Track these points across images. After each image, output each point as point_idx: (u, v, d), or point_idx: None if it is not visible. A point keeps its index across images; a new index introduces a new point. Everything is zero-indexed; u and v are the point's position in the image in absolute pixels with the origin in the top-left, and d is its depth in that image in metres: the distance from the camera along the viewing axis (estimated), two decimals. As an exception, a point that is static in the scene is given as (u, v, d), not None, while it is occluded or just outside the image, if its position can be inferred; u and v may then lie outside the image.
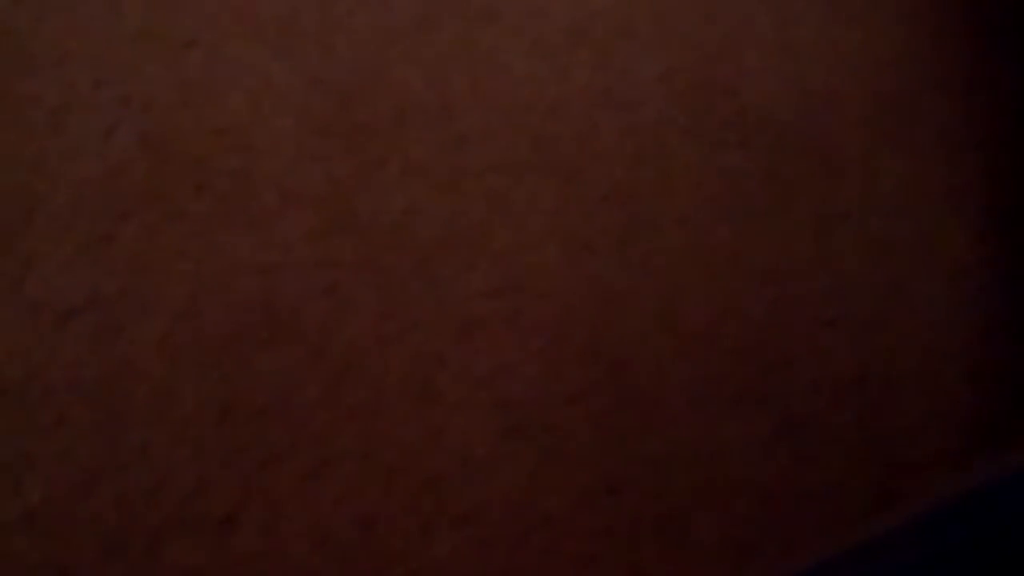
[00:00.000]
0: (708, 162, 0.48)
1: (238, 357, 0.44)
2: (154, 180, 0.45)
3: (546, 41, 0.49)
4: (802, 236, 0.48)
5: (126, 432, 0.43)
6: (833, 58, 0.49)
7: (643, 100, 0.48)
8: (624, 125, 0.49)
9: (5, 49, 0.45)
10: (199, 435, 0.42)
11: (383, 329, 0.45)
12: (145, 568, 0.41)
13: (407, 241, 0.46)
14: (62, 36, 0.45)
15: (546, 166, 0.47)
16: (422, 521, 0.43)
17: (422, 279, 0.46)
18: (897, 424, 0.46)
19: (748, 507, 0.45)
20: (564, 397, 0.45)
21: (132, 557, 0.41)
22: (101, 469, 0.41)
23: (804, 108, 0.49)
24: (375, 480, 0.43)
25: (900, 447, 0.46)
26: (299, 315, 0.44)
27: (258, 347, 0.44)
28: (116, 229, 0.44)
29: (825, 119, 0.49)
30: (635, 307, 0.46)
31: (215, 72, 0.47)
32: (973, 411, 0.47)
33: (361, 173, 0.47)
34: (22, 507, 0.43)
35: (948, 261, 0.50)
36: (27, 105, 0.45)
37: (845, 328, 0.47)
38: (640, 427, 0.45)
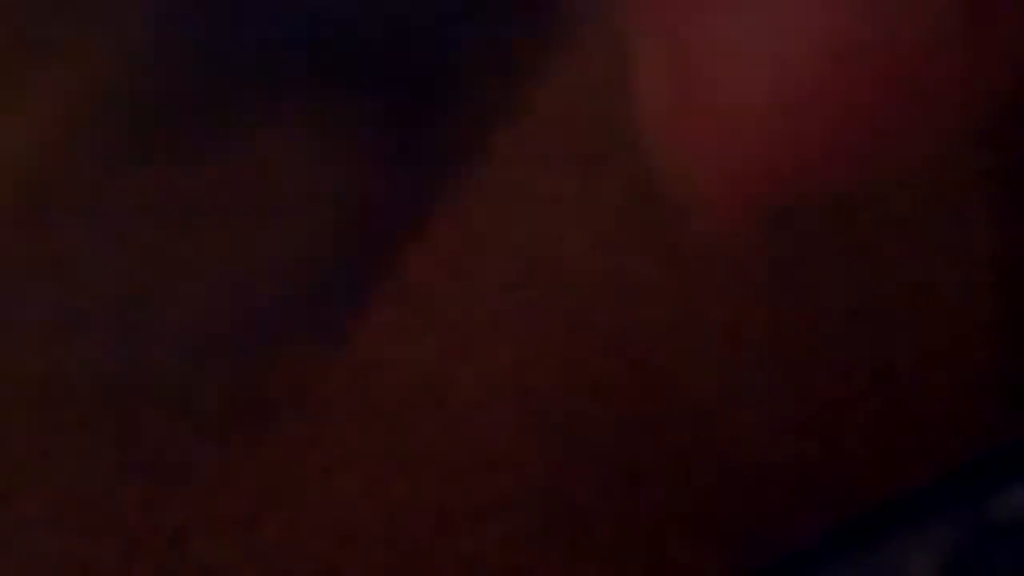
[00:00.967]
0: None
1: (259, 352, 0.43)
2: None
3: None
4: (825, 222, 0.47)
5: (147, 428, 0.43)
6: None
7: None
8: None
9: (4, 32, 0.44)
10: (221, 431, 0.42)
11: (404, 323, 0.44)
12: (168, 565, 0.41)
13: (426, 233, 0.45)
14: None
15: (569, 155, 0.47)
16: (446, 515, 0.43)
17: (442, 272, 0.45)
18: (924, 412, 0.46)
19: (775, 495, 0.44)
20: (587, 388, 0.44)
21: (155, 554, 0.41)
22: (123, 465, 0.41)
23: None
24: (398, 474, 0.43)
25: (928, 435, 0.46)
26: (321, 310, 0.44)
27: (279, 342, 0.43)
28: (138, 221, 0.44)
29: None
30: (659, 297, 0.45)
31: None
32: (1002, 398, 0.46)
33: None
34: (44, 503, 0.43)
35: (975, 245, 0.49)
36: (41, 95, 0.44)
37: (869, 317, 0.47)
38: (665, 417, 0.45)
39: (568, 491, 0.42)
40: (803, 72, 0.24)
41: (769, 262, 0.46)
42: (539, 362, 0.44)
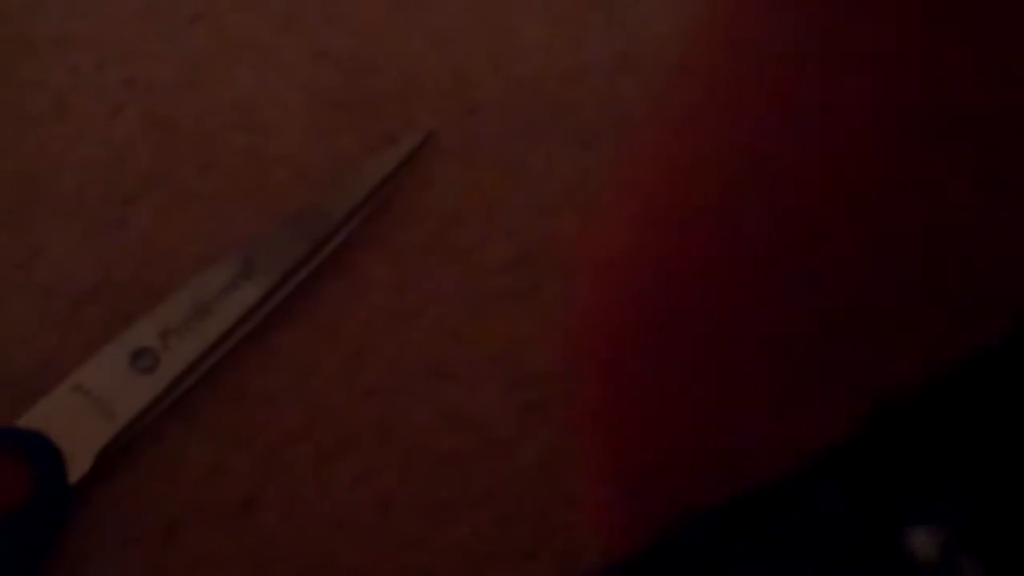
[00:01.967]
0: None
1: (251, 339, 0.43)
2: (161, 161, 0.44)
3: (559, 5, 0.48)
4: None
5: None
6: None
7: (660, 61, 0.47)
8: (642, 88, 0.47)
9: (5, 33, 0.44)
10: (214, 420, 0.42)
11: (398, 306, 0.44)
12: (163, 554, 0.41)
13: (420, 214, 0.45)
14: (63, 17, 0.45)
15: (562, 133, 0.46)
16: (441, 502, 0.42)
17: (436, 253, 0.45)
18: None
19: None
20: (584, 371, 0.44)
21: (150, 543, 0.41)
22: (116, 456, 0.41)
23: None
24: (392, 460, 0.42)
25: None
26: (312, 294, 0.43)
27: (272, 328, 0.43)
28: (124, 213, 0.44)
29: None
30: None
31: (220, 49, 0.46)
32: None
33: (372, 146, 0.46)
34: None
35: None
36: (29, 90, 0.44)
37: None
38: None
39: (564, 475, 0.41)
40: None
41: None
42: (534, 345, 0.44)
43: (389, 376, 0.41)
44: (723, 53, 0.21)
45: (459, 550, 0.40)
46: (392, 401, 0.41)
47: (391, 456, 0.41)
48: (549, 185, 0.44)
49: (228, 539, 0.40)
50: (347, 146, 0.43)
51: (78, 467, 0.38)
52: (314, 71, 0.44)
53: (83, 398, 0.39)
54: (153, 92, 0.43)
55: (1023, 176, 0.18)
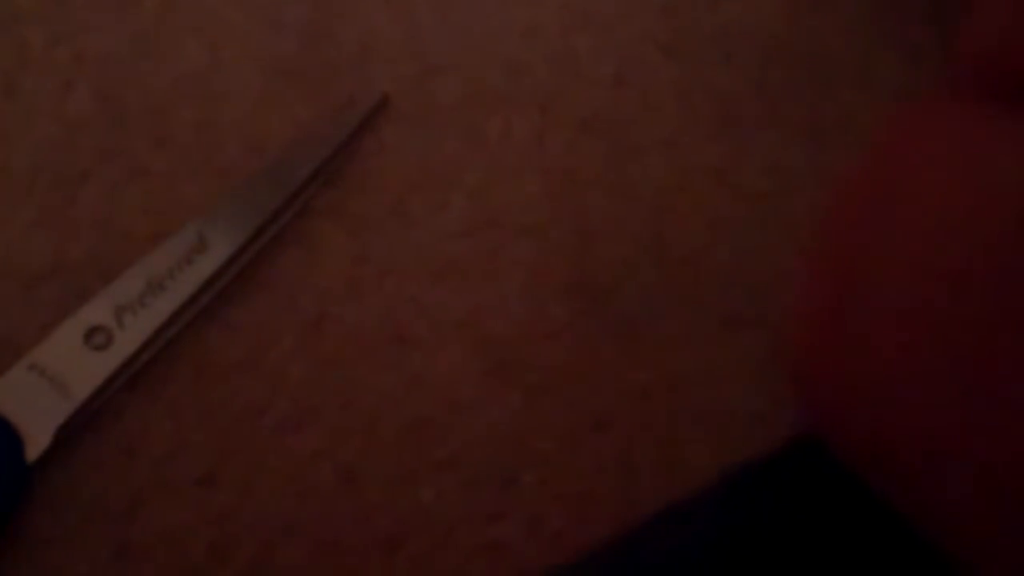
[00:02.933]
0: (691, 80, 0.46)
1: (209, 312, 0.42)
2: (114, 137, 0.44)
3: (511, -33, 0.48)
4: (792, 151, 0.45)
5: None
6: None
7: (620, 19, 0.46)
8: (601, 47, 0.47)
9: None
10: (173, 395, 0.41)
11: (357, 274, 0.43)
12: (124, 530, 0.40)
13: (377, 183, 0.44)
14: (10, -6, 0.45)
15: (521, 95, 0.46)
16: (406, 467, 0.42)
17: (395, 221, 0.44)
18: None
19: (743, 432, 0.43)
20: (548, 333, 0.43)
21: (111, 520, 0.40)
22: (75, 433, 0.41)
23: (790, 14, 0.47)
24: (356, 429, 0.42)
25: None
26: (270, 264, 0.43)
27: (229, 301, 0.42)
28: (77, 190, 0.43)
29: (814, 23, 0.47)
30: (619, 236, 0.44)
31: (171, 21, 0.45)
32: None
33: (327, 114, 0.46)
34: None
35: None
36: (-22, 68, 0.44)
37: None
38: (628, 359, 0.43)
39: (531, 438, 0.40)
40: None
41: (732, 194, 0.44)
42: (497, 309, 0.43)
43: (350, 345, 0.41)
44: None
45: (424, 515, 0.40)
46: (354, 370, 0.41)
47: (354, 425, 0.40)
48: (507, 149, 0.43)
49: (190, 514, 0.39)
50: (303, 116, 0.43)
51: (36, 446, 0.38)
52: (267, 40, 0.44)
53: (39, 377, 0.39)
54: (104, 67, 0.43)
55: None
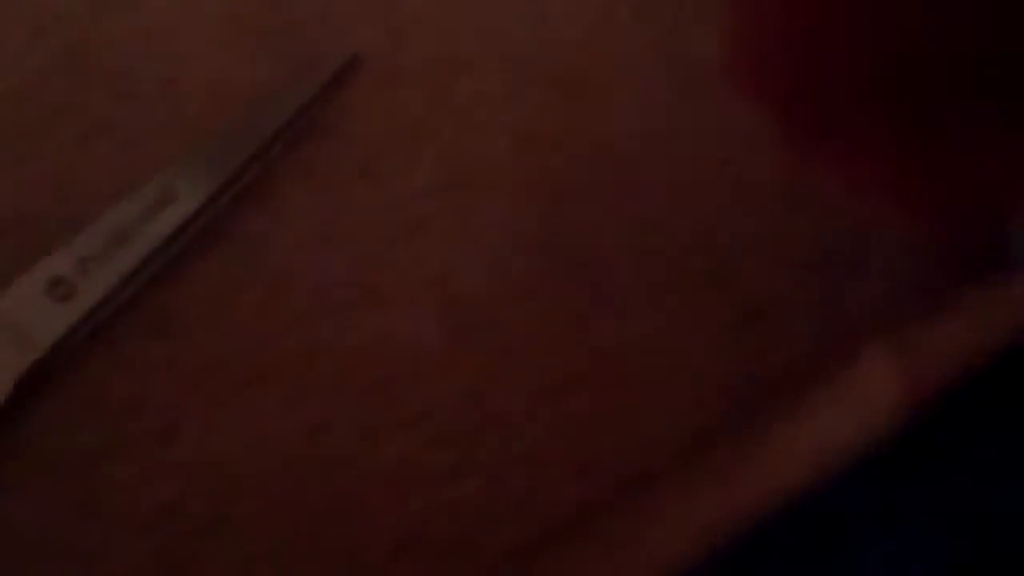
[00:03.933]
0: (661, 43, 0.46)
1: (173, 267, 0.42)
2: (76, 93, 0.44)
3: (481, -74, 0.47)
4: (760, 115, 0.45)
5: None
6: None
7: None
8: (571, 8, 0.47)
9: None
10: (135, 349, 0.41)
11: (323, 232, 0.43)
12: (84, 484, 0.40)
13: (344, 141, 0.44)
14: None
15: (490, 55, 0.45)
16: (370, 424, 0.42)
17: (362, 180, 0.44)
18: (860, 302, 0.44)
19: (710, 395, 0.43)
20: (515, 294, 0.43)
21: (71, 473, 0.40)
22: (34, 390, 0.40)
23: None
24: (320, 386, 0.41)
25: (863, 325, 0.44)
26: (236, 220, 0.43)
27: (193, 256, 0.42)
28: (38, 146, 0.43)
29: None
30: (588, 197, 0.44)
31: (135, -25, 0.45)
32: (937, 285, 0.44)
33: (294, 72, 0.45)
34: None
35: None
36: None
37: (805, 207, 0.45)
38: (594, 321, 0.43)
39: (495, 398, 0.40)
40: None
41: (703, 155, 0.44)
42: (464, 269, 0.43)
43: (315, 302, 0.41)
44: None
45: (386, 472, 0.39)
46: (319, 327, 0.40)
47: (318, 382, 0.40)
48: (478, 108, 0.43)
49: (151, 469, 0.39)
50: (268, 73, 0.43)
51: (-5, 397, 0.37)
52: (233, -3, 0.43)
53: None
54: (65, 23, 0.43)
55: None
